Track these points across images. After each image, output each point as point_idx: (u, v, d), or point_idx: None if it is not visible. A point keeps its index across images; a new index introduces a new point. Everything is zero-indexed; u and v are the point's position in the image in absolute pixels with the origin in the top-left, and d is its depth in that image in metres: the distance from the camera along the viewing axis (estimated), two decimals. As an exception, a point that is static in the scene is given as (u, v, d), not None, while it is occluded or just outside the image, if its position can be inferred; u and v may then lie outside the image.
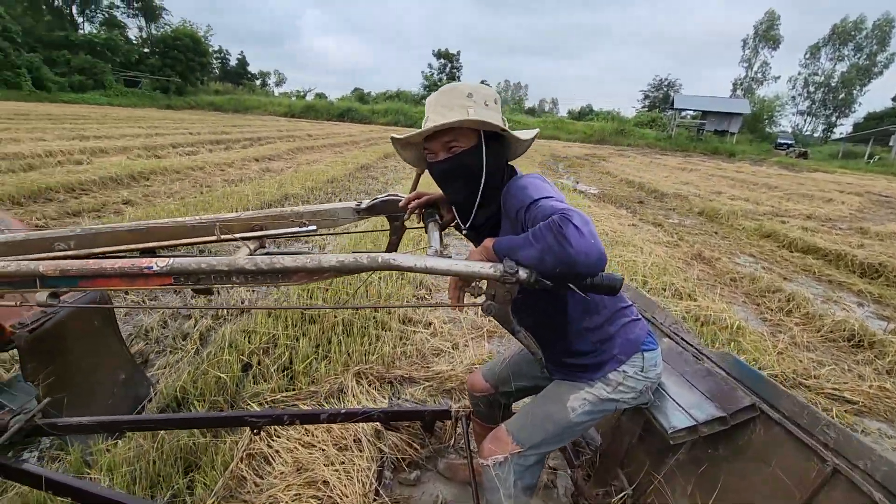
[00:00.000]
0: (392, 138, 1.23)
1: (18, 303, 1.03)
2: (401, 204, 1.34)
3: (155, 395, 2.24)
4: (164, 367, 2.57)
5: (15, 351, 1.74)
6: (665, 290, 4.21)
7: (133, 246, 1.28)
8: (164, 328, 3.05)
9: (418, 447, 1.96)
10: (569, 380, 1.35)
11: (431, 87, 54.12)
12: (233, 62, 60.20)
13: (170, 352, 2.77)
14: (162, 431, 1.85)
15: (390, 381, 2.60)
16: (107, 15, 44.37)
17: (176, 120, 22.20)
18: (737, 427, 1.31)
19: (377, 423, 1.93)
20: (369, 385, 2.48)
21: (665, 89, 65.26)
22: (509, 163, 1.28)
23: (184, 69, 45.50)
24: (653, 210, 9.22)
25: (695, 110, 44.96)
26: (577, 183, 12.78)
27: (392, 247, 1.42)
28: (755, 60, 59.68)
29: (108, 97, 35.00)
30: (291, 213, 1.33)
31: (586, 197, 9.99)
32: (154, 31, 47.15)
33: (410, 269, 0.92)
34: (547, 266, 0.92)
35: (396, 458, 1.87)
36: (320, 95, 63.59)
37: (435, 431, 2.03)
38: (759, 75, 59.76)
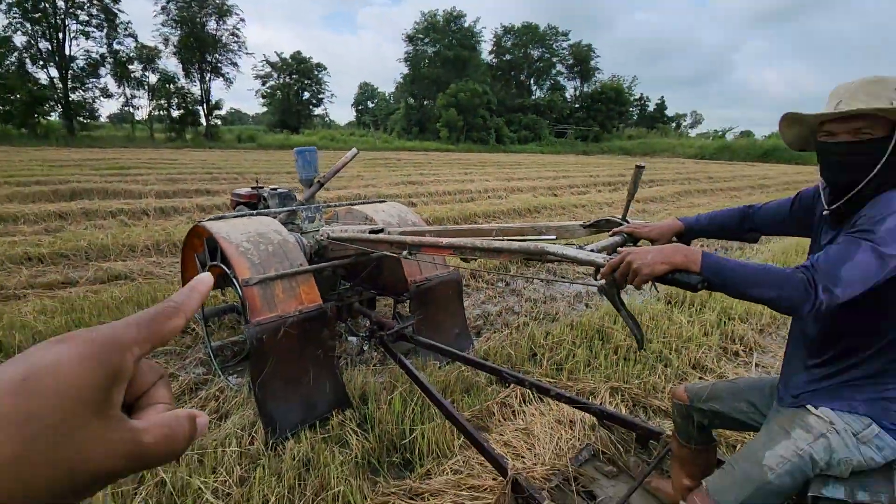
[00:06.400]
0: (786, 115, 1.28)
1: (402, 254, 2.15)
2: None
3: (472, 350, 3.35)
4: (488, 336, 3.69)
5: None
6: None
7: (455, 241, 2.29)
8: (497, 315, 4.25)
9: (622, 451, 2.20)
10: (786, 409, 1.33)
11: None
12: (651, 107, 62.45)
13: (494, 329, 3.89)
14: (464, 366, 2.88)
15: (644, 407, 2.79)
16: (552, 81, 55.16)
17: (584, 164, 25.64)
18: None
19: (594, 419, 2.30)
20: (622, 402, 2.78)
21: None
22: None
23: (603, 118, 51.36)
24: None
25: None
26: None
27: None
28: None
29: (541, 147, 43.77)
30: (542, 226, 2.02)
31: None
32: (585, 90, 55.14)
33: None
34: (751, 297, 1.09)
35: (598, 448, 2.20)
36: (746, 133, 57.60)
37: (648, 447, 2.20)
38: None
